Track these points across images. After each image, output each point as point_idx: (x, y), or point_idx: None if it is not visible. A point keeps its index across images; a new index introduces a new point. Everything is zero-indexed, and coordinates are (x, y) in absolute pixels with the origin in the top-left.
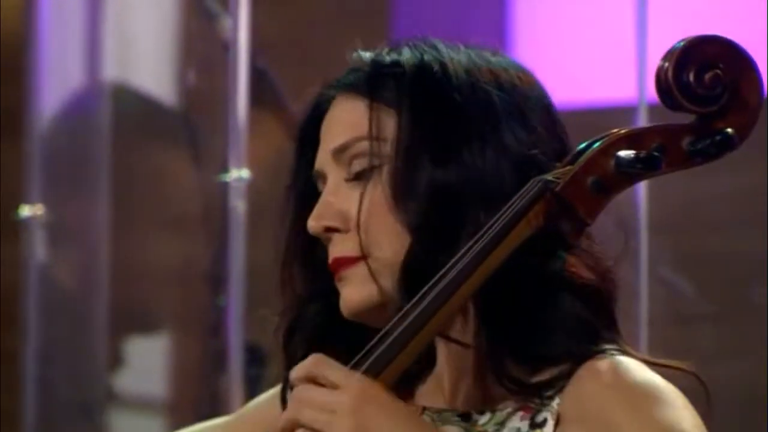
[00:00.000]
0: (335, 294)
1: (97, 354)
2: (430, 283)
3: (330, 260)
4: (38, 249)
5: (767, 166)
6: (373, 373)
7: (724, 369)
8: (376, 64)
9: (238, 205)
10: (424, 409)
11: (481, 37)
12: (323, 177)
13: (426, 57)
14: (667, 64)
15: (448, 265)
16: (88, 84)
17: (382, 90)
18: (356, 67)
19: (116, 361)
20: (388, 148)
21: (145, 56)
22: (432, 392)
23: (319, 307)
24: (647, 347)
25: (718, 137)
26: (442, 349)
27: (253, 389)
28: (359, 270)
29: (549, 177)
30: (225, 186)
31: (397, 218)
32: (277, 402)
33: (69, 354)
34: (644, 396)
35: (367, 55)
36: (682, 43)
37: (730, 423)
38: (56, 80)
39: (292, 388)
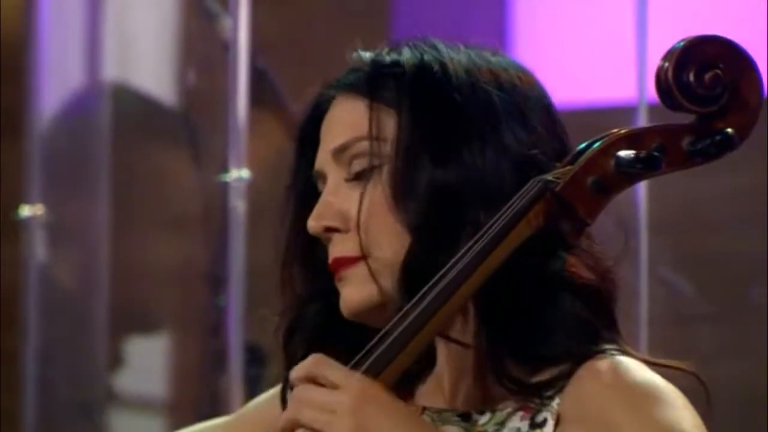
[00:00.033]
0: (335, 294)
1: (97, 354)
2: (430, 283)
3: (330, 260)
4: (38, 249)
5: (767, 166)
6: (373, 373)
7: (724, 369)
8: (376, 64)
9: (238, 205)
10: (424, 409)
11: (481, 37)
12: (323, 177)
13: (426, 57)
14: (667, 64)
15: (448, 265)
16: (88, 84)
17: (382, 90)
18: (356, 67)
19: (116, 361)
20: (388, 148)
21: (145, 56)
22: (432, 392)
23: (319, 307)
24: (647, 347)
25: (718, 137)
26: (442, 349)
27: (252, 389)
28: (359, 270)
29: (549, 177)
30: (225, 186)
31: (397, 218)
32: (277, 402)
33: (69, 354)
34: (644, 396)
35: (367, 55)
36: (682, 43)
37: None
38: (56, 80)
39: (292, 388)
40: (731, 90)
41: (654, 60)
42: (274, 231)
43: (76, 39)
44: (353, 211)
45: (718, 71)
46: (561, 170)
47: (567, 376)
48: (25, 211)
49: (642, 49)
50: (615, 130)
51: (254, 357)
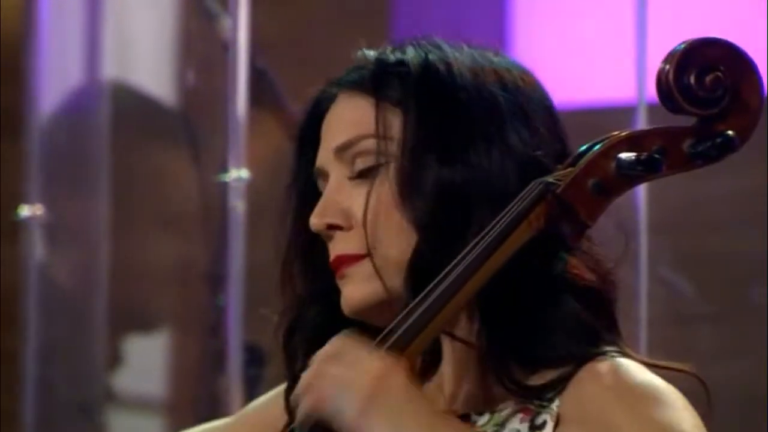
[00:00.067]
0: (335, 293)
1: (96, 354)
2: (433, 283)
3: (332, 257)
4: (38, 249)
5: (767, 168)
6: None
7: (724, 369)
8: (381, 63)
9: (238, 205)
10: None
11: (481, 37)
12: (324, 175)
13: (431, 56)
14: (667, 67)
15: (449, 266)
16: (87, 84)
17: (387, 88)
18: (359, 65)
19: (115, 360)
20: (393, 147)
21: (144, 56)
22: (432, 394)
23: (320, 306)
24: (647, 347)
25: (719, 139)
26: (447, 349)
27: (252, 389)
28: (362, 268)
29: (550, 179)
30: (224, 186)
31: (404, 216)
32: (278, 403)
33: (68, 354)
34: (644, 398)
35: (370, 53)
36: (682, 46)
37: (730, 423)
38: (56, 80)
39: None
40: (732, 92)
41: (653, 60)
42: (273, 231)
43: (75, 39)
44: (356, 209)
45: (719, 74)
46: (562, 172)
47: (567, 378)
48: (25, 211)
49: (641, 49)
50: (616, 133)
51: (253, 357)
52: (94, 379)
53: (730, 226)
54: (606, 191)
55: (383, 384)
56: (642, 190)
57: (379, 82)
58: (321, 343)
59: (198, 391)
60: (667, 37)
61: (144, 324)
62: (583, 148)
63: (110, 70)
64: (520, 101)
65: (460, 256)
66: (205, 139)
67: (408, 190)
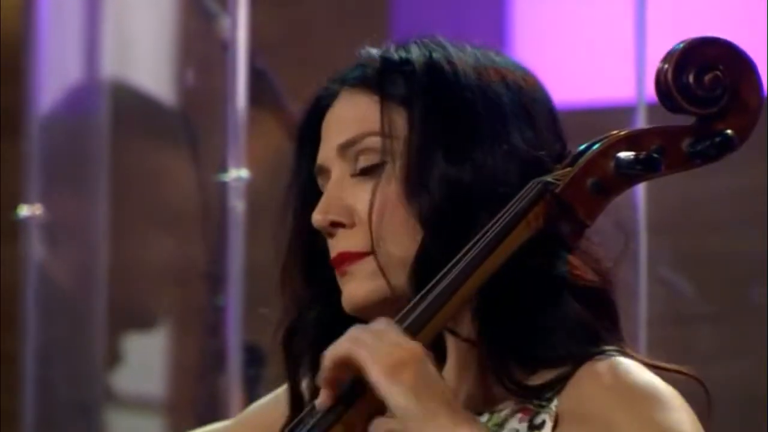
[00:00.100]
0: (336, 293)
1: (96, 354)
2: (431, 283)
3: (334, 254)
4: (37, 249)
5: (767, 167)
6: None
7: (724, 369)
8: (386, 61)
9: (237, 205)
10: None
11: (481, 38)
12: (326, 172)
13: (435, 55)
14: (666, 66)
15: (448, 266)
16: (86, 84)
17: (392, 86)
18: (362, 62)
19: (115, 360)
20: (398, 145)
21: (143, 56)
22: None
23: (320, 306)
24: (646, 347)
25: (717, 139)
26: (450, 349)
27: (251, 389)
28: (366, 265)
29: (549, 178)
30: (224, 186)
31: (410, 213)
32: (278, 405)
33: (68, 354)
34: (644, 398)
35: (374, 51)
36: (681, 45)
37: (730, 423)
38: (55, 80)
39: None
40: (731, 91)
41: (653, 60)
42: (273, 230)
43: (74, 39)
44: (359, 206)
45: (718, 73)
46: (561, 172)
47: (566, 377)
48: (24, 210)
49: (641, 48)
50: (614, 132)
51: (253, 357)
52: (94, 379)
53: (730, 226)
54: (605, 191)
55: (415, 358)
56: (641, 190)
57: (384, 80)
58: (322, 344)
59: (197, 391)
60: (667, 36)
61: (143, 324)
62: (582, 147)
63: (109, 70)
64: (523, 101)
65: (459, 255)
66: (204, 139)
67: (415, 187)
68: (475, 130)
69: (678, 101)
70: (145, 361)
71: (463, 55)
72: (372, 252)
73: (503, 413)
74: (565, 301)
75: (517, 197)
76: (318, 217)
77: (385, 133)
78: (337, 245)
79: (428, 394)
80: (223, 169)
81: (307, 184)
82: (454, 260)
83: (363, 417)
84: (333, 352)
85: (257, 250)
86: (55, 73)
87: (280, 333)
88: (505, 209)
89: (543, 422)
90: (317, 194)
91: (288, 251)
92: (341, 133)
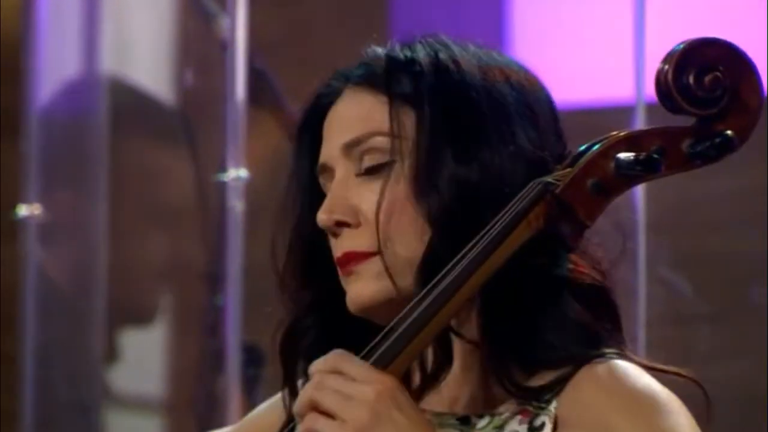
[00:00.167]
0: (336, 293)
1: (95, 354)
2: (431, 284)
3: (339, 254)
4: (36, 249)
5: (767, 167)
6: (380, 367)
7: (724, 369)
8: (392, 60)
9: (236, 205)
10: (422, 412)
11: (480, 37)
12: (329, 171)
13: (441, 55)
14: (666, 67)
15: (448, 266)
16: (85, 83)
17: (399, 86)
18: (367, 61)
19: (114, 361)
20: (405, 144)
21: (142, 56)
22: (433, 396)
23: (320, 306)
24: (646, 348)
25: (718, 139)
26: (456, 350)
27: (250, 389)
28: (372, 265)
29: (549, 179)
30: (223, 185)
31: (418, 213)
32: (277, 410)
33: (67, 354)
34: (642, 402)
35: (379, 50)
36: (681, 46)
37: (729, 423)
38: (54, 80)
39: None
40: (731, 92)
41: (652, 59)
42: (272, 230)
43: (74, 38)
44: (365, 206)
45: (718, 73)
46: (561, 172)
47: (566, 379)
48: (23, 210)
49: (640, 48)
50: (614, 132)
51: (252, 357)
52: (93, 378)
53: (730, 226)
54: (605, 191)
55: (383, 403)
56: (640, 190)
57: (391, 79)
58: (320, 345)
59: (196, 390)
60: (666, 36)
61: (142, 324)
62: (582, 148)
63: (108, 69)
64: (527, 101)
65: (459, 256)
66: (203, 139)
67: (424, 187)
68: (481, 129)
69: (678, 102)
70: (144, 361)
71: (467, 54)
72: (378, 252)
73: (504, 415)
74: (565, 302)
75: (517, 198)
76: (323, 217)
77: (394, 133)
78: (342, 245)
79: None
80: (223, 168)
81: (307, 183)
82: (454, 261)
83: None
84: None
85: (256, 250)
86: (54, 73)
87: (280, 334)
88: (505, 210)
89: (543, 424)
90: (318, 193)
91: (288, 251)
92: (346, 132)
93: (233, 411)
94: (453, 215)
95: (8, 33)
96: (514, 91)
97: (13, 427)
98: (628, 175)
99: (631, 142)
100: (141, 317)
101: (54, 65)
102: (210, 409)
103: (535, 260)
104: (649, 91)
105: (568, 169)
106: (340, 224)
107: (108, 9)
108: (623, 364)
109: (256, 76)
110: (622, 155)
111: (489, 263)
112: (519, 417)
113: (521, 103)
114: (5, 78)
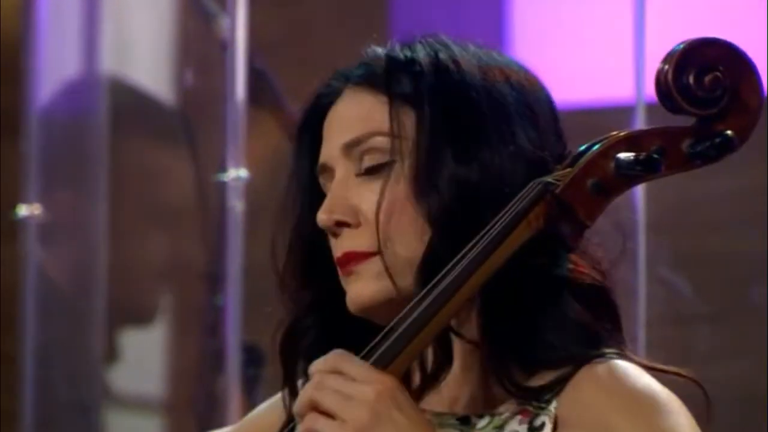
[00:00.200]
0: (336, 293)
1: (94, 354)
2: (431, 284)
3: (339, 254)
4: (36, 249)
5: (767, 167)
6: (380, 367)
7: (723, 369)
8: (392, 60)
9: (236, 205)
10: (422, 411)
11: (480, 37)
12: (329, 171)
13: (441, 55)
14: (667, 67)
15: (448, 266)
16: (85, 83)
17: (399, 86)
18: (367, 61)
19: (114, 361)
20: (405, 145)
21: (142, 56)
22: (433, 396)
23: (320, 307)
24: (646, 348)
25: (718, 139)
26: (457, 350)
27: (250, 389)
28: (372, 265)
29: (549, 179)
30: (223, 185)
31: (418, 213)
32: (277, 410)
33: (67, 354)
34: (642, 403)
35: (379, 50)
36: (681, 46)
37: (729, 423)
38: (54, 80)
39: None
40: (731, 92)
41: (652, 59)
42: (272, 230)
43: (74, 38)
44: (365, 206)
45: (718, 74)
46: (561, 172)
47: (566, 379)
48: (23, 210)
49: (640, 48)
50: (615, 132)
51: (252, 357)
52: (93, 378)
53: (730, 226)
54: (605, 191)
55: (383, 403)
56: (640, 190)
57: (391, 79)
58: (320, 345)
59: (196, 390)
60: (666, 36)
61: (142, 324)
62: (582, 148)
63: (108, 69)
64: (527, 101)
65: (459, 256)
66: (203, 139)
67: (424, 187)
68: (481, 129)
69: (678, 102)
70: (144, 361)
71: (467, 54)
72: (378, 252)
73: (504, 415)
74: (565, 302)
75: (517, 197)
76: (323, 217)
77: (394, 133)
78: (342, 245)
79: None
80: (222, 168)
81: (307, 183)
82: (454, 261)
83: None
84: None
85: (256, 250)
86: (54, 73)
87: (280, 334)
88: (505, 210)
89: (542, 424)
90: (318, 193)
91: (288, 251)
92: (346, 131)
93: (233, 411)
94: (453, 215)
95: (8, 33)
96: (514, 91)
97: (13, 427)
98: (628, 175)
99: (631, 142)
100: (141, 317)
101: (54, 65)
102: (210, 409)
103: (535, 260)
104: (649, 91)
105: (568, 169)
106: (340, 224)
107: (108, 9)
108: (623, 364)
109: (256, 76)
110: (622, 155)
111: (489, 263)
112: (519, 417)
113: (521, 103)
114: (5, 78)
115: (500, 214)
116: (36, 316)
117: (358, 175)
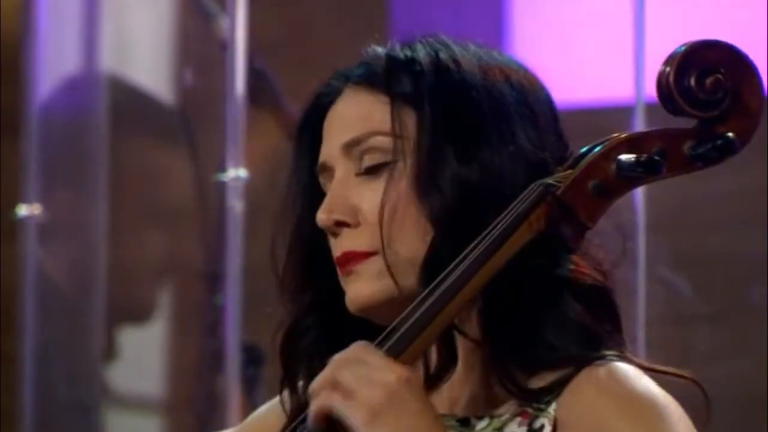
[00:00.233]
0: (336, 293)
1: (94, 353)
2: (433, 284)
3: (339, 253)
4: (36, 249)
5: (767, 167)
6: None
7: (723, 369)
8: (392, 60)
9: (236, 205)
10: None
11: (480, 37)
12: (329, 170)
13: (441, 55)
14: (668, 69)
15: (450, 267)
16: (85, 83)
17: (399, 86)
18: (368, 61)
19: (113, 360)
20: (405, 144)
21: (142, 56)
22: (434, 397)
23: (320, 306)
24: (646, 348)
25: (719, 141)
26: (460, 350)
27: (250, 389)
28: (372, 265)
29: (550, 180)
30: (222, 185)
31: (420, 213)
32: (276, 412)
33: (67, 353)
34: (641, 406)
35: (379, 49)
36: (683, 48)
37: (729, 423)
38: (53, 79)
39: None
40: (732, 94)
41: (652, 60)
42: (271, 230)
43: (73, 38)
44: (365, 206)
45: (720, 76)
46: (562, 174)
47: (565, 381)
48: (23, 210)
49: (639, 48)
50: (616, 134)
51: (252, 357)
52: (93, 378)
53: (730, 226)
54: (606, 193)
55: (402, 389)
56: (640, 190)
57: (391, 79)
58: (320, 345)
59: (196, 390)
60: (666, 36)
61: (141, 323)
62: (583, 149)
63: (108, 69)
64: (528, 101)
65: (461, 256)
66: (203, 139)
67: (426, 186)
68: (481, 129)
69: (679, 104)
70: (144, 361)
71: (468, 54)
72: (378, 252)
73: (503, 417)
74: (565, 303)
75: (518, 199)
76: (323, 217)
77: (396, 132)
78: (342, 245)
79: None
80: (222, 168)
81: (307, 183)
82: (455, 262)
83: None
84: (313, 407)
85: (256, 250)
86: (53, 73)
87: (280, 334)
88: (506, 211)
89: (542, 426)
90: (318, 193)
91: (288, 251)
92: (346, 131)
93: (233, 411)
94: (455, 215)
95: (8, 33)
96: (514, 90)
97: (13, 427)
98: (630, 177)
99: (632, 143)
100: (140, 317)
101: (54, 65)
102: (210, 409)
103: (537, 261)
104: (649, 91)
105: (569, 171)
106: (340, 224)
107: (108, 9)
108: (623, 367)
109: (256, 76)
110: (624, 157)
111: (490, 264)
112: (518, 419)
113: (521, 102)
114: (5, 78)
115: (501, 216)
116: (36, 316)
117: (358, 174)
